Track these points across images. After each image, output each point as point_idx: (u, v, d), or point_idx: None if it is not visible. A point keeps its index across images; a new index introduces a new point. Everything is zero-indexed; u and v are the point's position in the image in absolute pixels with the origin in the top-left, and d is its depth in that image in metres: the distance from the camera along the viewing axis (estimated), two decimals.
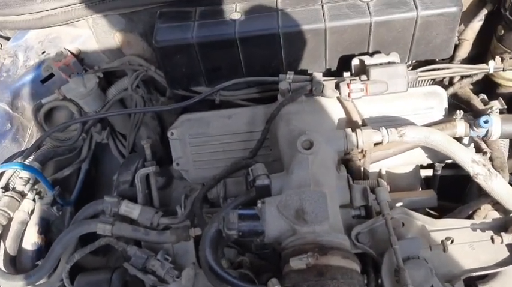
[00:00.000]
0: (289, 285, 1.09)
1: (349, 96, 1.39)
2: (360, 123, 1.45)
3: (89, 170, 1.96)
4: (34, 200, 1.58)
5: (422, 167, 1.71)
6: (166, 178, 1.71)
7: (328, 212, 1.17)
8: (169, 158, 1.65)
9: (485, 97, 1.59)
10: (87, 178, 1.95)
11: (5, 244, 1.51)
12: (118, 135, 2.10)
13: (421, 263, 1.12)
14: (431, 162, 1.55)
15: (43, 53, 1.73)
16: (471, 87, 1.74)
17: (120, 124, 2.03)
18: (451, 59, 1.62)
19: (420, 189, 1.64)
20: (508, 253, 1.21)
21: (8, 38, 1.97)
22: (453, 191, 1.65)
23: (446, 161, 1.57)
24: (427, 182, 1.73)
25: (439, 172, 1.66)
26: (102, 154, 2.12)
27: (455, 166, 1.44)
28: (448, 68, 1.57)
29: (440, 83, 1.67)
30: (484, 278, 1.28)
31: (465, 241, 1.22)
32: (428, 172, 1.71)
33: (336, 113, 1.45)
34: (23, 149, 1.68)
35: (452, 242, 1.22)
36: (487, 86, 1.73)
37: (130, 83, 1.78)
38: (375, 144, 1.39)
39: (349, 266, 1.10)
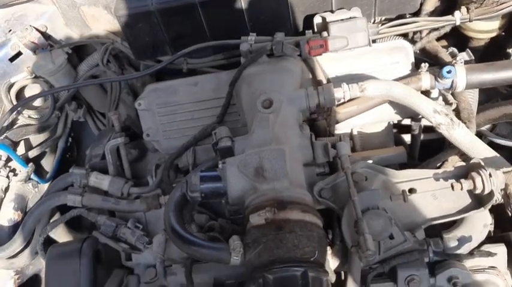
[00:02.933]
0: (249, 241, 1.10)
1: (310, 54, 1.37)
2: (324, 81, 1.44)
3: (68, 148, 1.98)
4: (8, 177, 1.60)
5: (401, 130, 1.70)
6: (139, 150, 1.70)
7: (287, 168, 1.17)
8: None
9: (455, 50, 1.57)
10: (66, 155, 1.96)
11: None
12: (97, 114, 2.10)
13: (380, 213, 1.12)
14: (400, 118, 1.54)
15: (10, 31, 1.73)
16: (445, 43, 1.72)
17: (97, 103, 2.03)
18: (417, 13, 1.58)
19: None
20: (469, 200, 1.20)
21: None
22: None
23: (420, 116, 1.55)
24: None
25: (416, 132, 1.64)
26: (82, 133, 2.13)
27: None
28: (414, 22, 1.54)
29: (411, 40, 1.65)
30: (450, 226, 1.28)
31: (427, 190, 1.21)
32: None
33: (299, 72, 1.43)
34: None
35: (415, 192, 1.21)
36: (460, 41, 1.71)
37: (100, 58, 1.78)
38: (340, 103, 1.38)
39: (308, 220, 1.10)
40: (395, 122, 1.59)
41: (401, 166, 1.53)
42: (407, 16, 1.60)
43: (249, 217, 1.12)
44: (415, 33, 1.63)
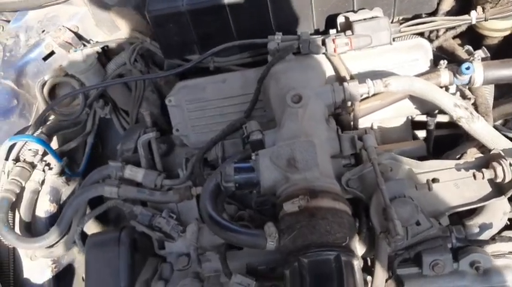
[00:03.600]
0: (283, 227, 1.17)
1: (335, 51, 1.44)
2: (348, 78, 1.51)
3: (95, 145, 2.05)
4: (44, 170, 1.67)
5: (417, 127, 1.76)
6: (168, 145, 1.78)
7: (318, 159, 1.24)
8: (170, 129, 1.71)
9: (471, 48, 1.63)
10: (93, 152, 2.04)
11: (19, 212, 1.61)
12: (121, 111, 2.17)
13: (406, 201, 1.19)
14: (419, 113, 1.60)
15: (43, 31, 1.81)
16: (459, 41, 1.78)
17: (122, 100, 2.10)
18: (435, 13, 1.65)
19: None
20: (490, 189, 1.27)
21: (8, 21, 2.04)
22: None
23: (435, 112, 1.61)
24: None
25: (431, 127, 1.70)
26: (107, 130, 2.20)
27: (452, 125, 1.49)
28: (432, 21, 1.61)
29: (428, 38, 1.71)
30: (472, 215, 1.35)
31: (450, 180, 1.28)
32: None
33: (324, 69, 1.51)
34: (30, 124, 1.76)
35: (438, 182, 1.28)
36: (475, 39, 1.77)
37: (128, 57, 1.85)
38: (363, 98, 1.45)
39: (339, 207, 1.17)
40: (414, 116, 1.66)
41: (420, 159, 1.61)
42: (424, 16, 1.67)
43: (282, 205, 1.18)
44: (431, 32, 1.70)
